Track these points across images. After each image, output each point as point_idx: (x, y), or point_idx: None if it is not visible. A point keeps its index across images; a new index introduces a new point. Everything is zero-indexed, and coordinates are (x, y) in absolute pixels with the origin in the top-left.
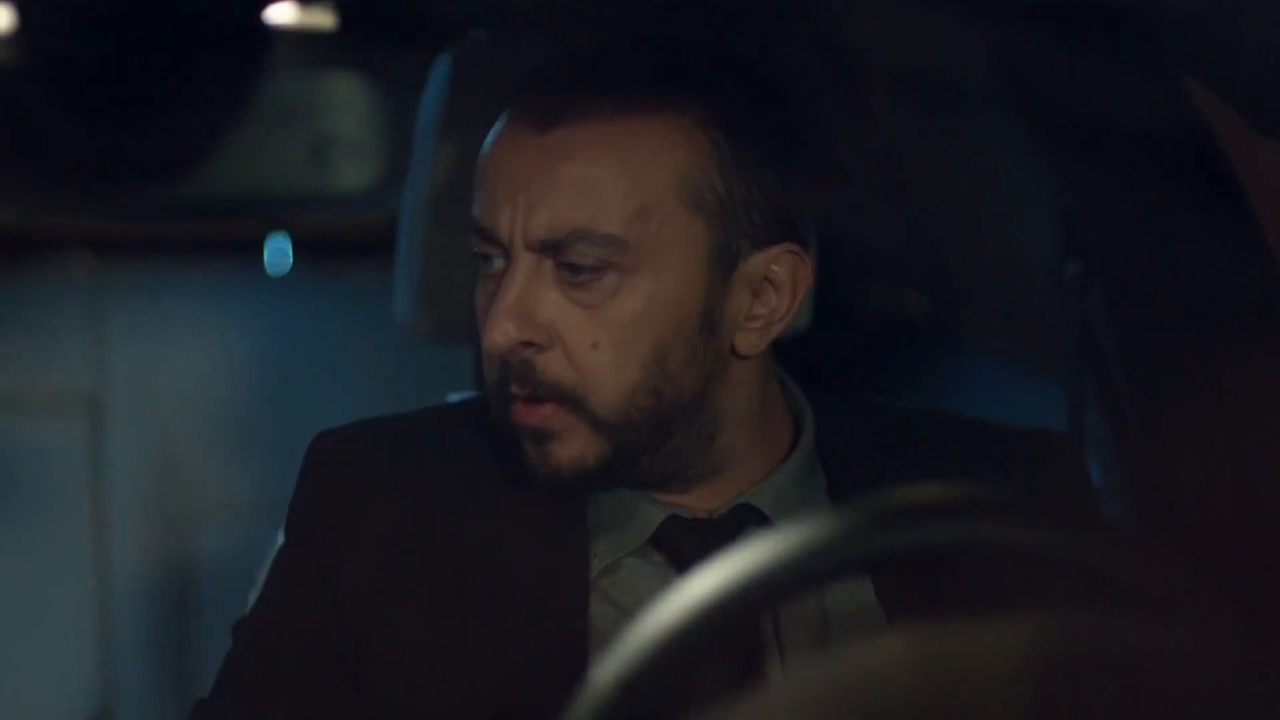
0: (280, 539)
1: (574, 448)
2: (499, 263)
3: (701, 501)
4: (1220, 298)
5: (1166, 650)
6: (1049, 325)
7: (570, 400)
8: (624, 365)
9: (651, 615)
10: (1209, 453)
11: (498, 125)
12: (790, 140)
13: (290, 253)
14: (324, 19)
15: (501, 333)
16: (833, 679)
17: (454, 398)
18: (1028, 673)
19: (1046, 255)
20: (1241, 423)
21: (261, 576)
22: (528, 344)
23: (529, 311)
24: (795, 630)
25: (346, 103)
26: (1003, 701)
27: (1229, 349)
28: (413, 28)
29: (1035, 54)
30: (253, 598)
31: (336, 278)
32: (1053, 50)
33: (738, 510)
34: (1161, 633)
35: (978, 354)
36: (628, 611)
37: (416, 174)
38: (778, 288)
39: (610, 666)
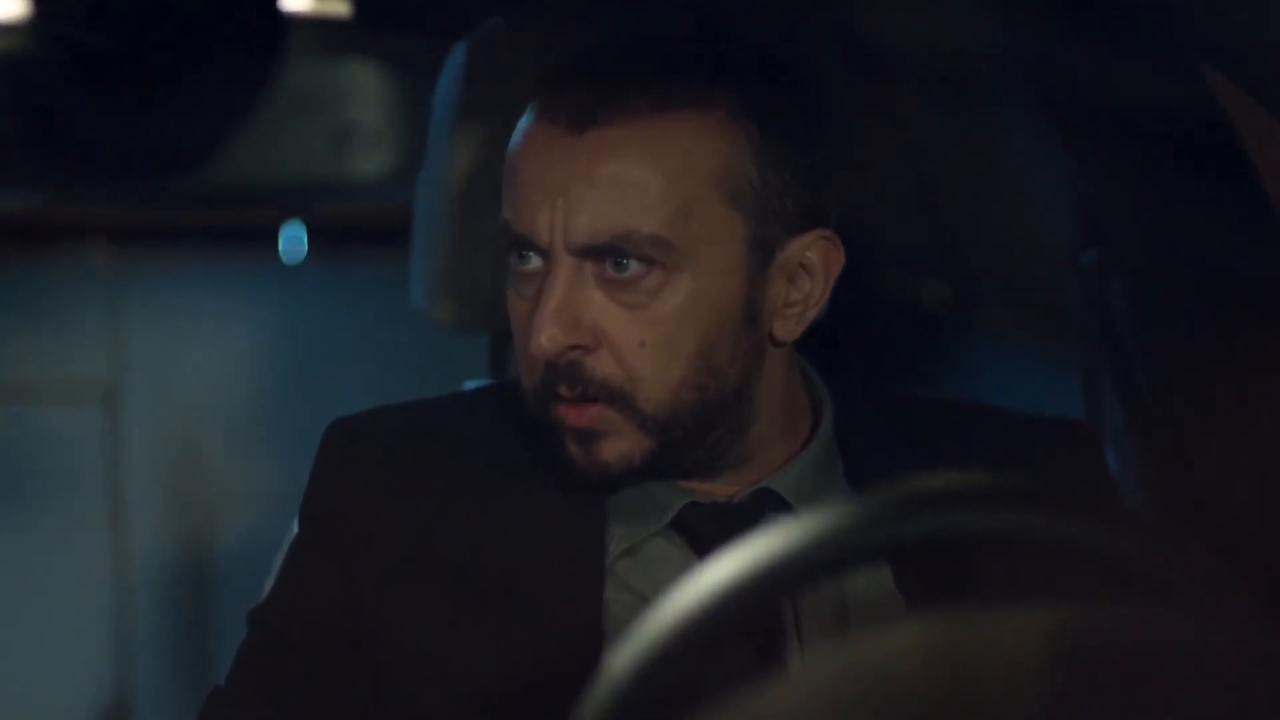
0: (296, 527)
1: (621, 446)
2: (535, 262)
3: (722, 487)
4: (1238, 286)
5: (1186, 641)
6: (1067, 314)
7: (619, 399)
8: (671, 362)
9: (669, 602)
10: (1227, 441)
11: (525, 123)
12: (817, 126)
13: (305, 241)
14: (340, 7)
15: (548, 338)
16: (850, 667)
17: (469, 385)
18: (1046, 662)
19: (1065, 244)
20: (1259, 411)
21: (277, 564)
22: (574, 347)
23: (574, 315)
24: (814, 618)
25: (363, 91)
26: (1021, 691)
27: (1246, 337)
28: (429, 15)
29: (1054, 43)
30: (268, 585)
31: (354, 266)
32: (1072, 40)
33: (758, 495)
34: (1181, 623)
35: (996, 342)
36: (646, 597)
37: (433, 162)
38: (811, 273)
39: (627, 654)
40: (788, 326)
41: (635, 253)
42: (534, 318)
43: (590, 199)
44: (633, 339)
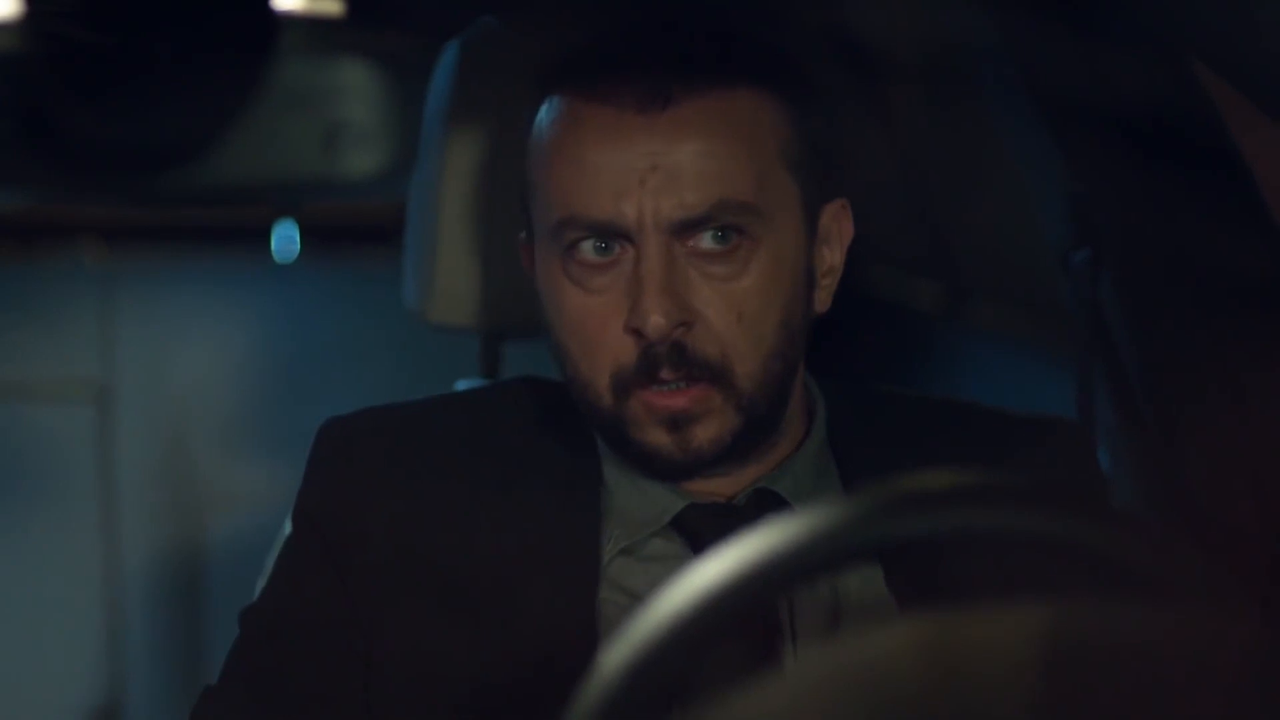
0: (288, 526)
1: (714, 428)
2: (603, 252)
3: (720, 487)
4: (1230, 284)
5: (1179, 639)
6: (1059, 312)
7: (719, 377)
8: (763, 334)
9: (661, 600)
10: (1219, 440)
11: (569, 112)
12: (823, 99)
13: (297, 240)
14: (332, 5)
15: (664, 313)
16: (843, 666)
17: (461, 385)
18: (1039, 662)
19: (1057, 242)
20: (1251, 410)
21: (270, 564)
22: (678, 324)
23: (675, 292)
24: (808, 617)
25: (355, 89)
26: (1013, 690)
27: (1239, 336)
28: (421, 14)
29: (1046, 41)
30: (260, 585)
31: (346, 265)
32: (1064, 36)
33: (758, 496)
34: (1174, 621)
35: (988, 341)
36: (642, 597)
37: (425, 161)
38: (832, 243)
39: (619, 652)
40: (822, 297)
41: (730, 222)
42: (637, 300)
43: (680, 174)
44: (730, 313)
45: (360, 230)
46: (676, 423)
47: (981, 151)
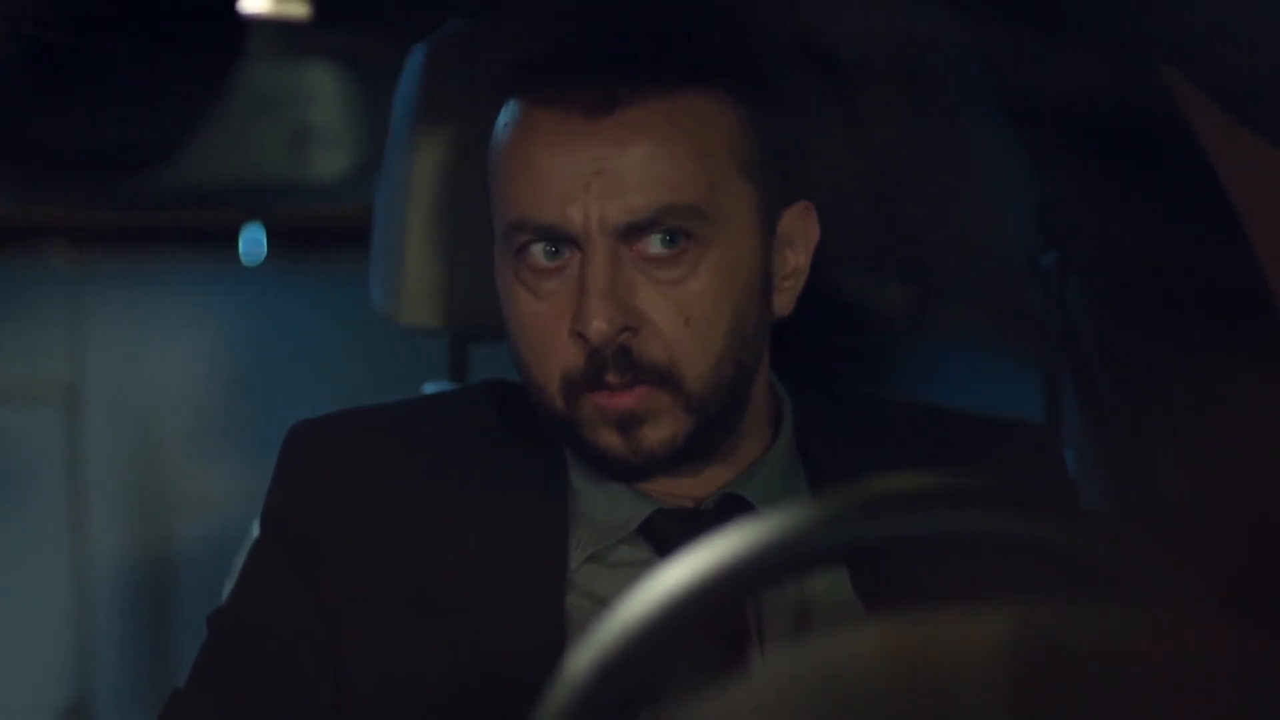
0: (256, 529)
1: (664, 429)
2: (561, 255)
3: (688, 490)
4: (1197, 288)
5: (1146, 639)
6: (1027, 316)
7: (666, 380)
8: (712, 337)
9: (628, 603)
10: (1186, 442)
11: (521, 117)
12: (786, 99)
13: (264, 242)
14: (299, 8)
15: (607, 319)
16: (811, 669)
17: (429, 387)
18: (1006, 663)
19: (1025, 245)
20: (1217, 413)
21: (237, 566)
22: (622, 329)
23: (619, 296)
24: (775, 619)
25: (322, 92)
26: (980, 692)
27: (1205, 339)
28: (389, 17)
29: (1014, 43)
30: (228, 587)
31: (313, 267)
32: (1032, 39)
33: (725, 501)
34: (1142, 623)
35: (955, 344)
36: (609, 603)
37: (392, 163)
38: (795, 245)
39: (586, 655)
40: (783, 299)
41: (675, 225)
42: (580, 304)
43: (626, 179)
44: (677, 317)
45: (328, 232)
46: (626, 424)
47: (950, 154)
